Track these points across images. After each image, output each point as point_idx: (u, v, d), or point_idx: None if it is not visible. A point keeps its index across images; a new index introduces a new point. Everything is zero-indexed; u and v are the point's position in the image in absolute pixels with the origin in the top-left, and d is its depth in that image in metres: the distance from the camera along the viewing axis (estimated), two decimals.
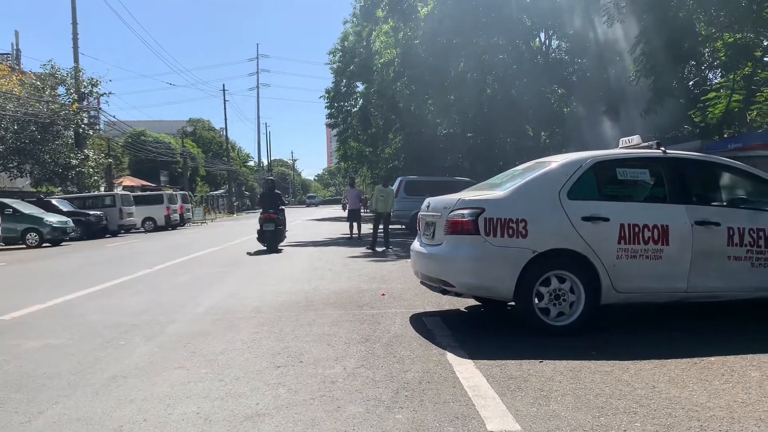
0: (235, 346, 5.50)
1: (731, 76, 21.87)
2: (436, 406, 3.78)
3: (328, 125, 52.39)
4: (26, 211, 22.50)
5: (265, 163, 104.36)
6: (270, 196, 16.99)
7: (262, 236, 16.10)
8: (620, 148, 6.78)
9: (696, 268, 5.70)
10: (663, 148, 6.22)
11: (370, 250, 15.22)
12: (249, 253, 15.31)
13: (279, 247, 16.25)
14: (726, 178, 6.46)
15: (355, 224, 20.36)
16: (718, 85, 23.83)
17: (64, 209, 25.46)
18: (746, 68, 20.50)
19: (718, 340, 5.31)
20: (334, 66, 44.45)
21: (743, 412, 3.59)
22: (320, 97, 46.52)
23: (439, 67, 25.60)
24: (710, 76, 28.32)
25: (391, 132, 39.05)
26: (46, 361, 5.21)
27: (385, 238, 16.06)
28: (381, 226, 16.47)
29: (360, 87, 43.83)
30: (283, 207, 17.33)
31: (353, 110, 44.90)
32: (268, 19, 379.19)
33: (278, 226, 16.18)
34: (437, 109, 28.22)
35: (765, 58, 22.12)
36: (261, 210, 16.85)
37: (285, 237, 17.53)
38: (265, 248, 15.87)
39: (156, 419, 3.71)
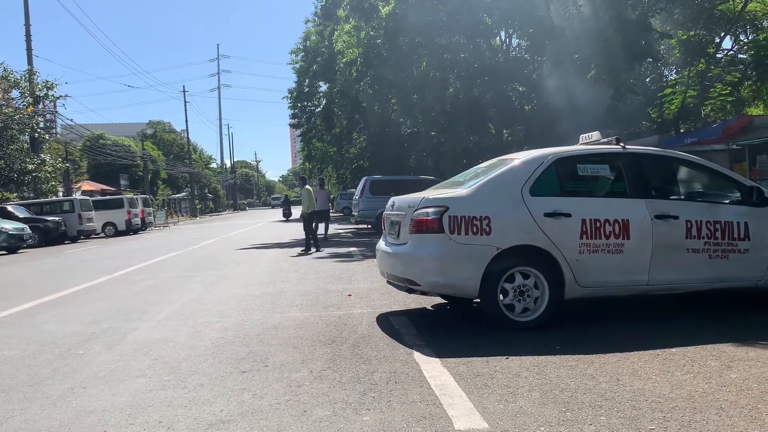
0: (199, 352, 5.40)
1: (686, 73, 22.44)
2: (403, 406, 3.76)
3: (292, 125, 52.07)
4: None
5: (229, 164, 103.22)
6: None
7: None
8: (580, 144, 6.86)
9: (656, 261, 5.80)
10: (622, 144, 6.31)
11: (317, 251, 15.23)
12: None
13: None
14: (683, 172, 6.58)
15: (321, 225, 20.22)
16: (674, 82, 24.43)
17: (21, 215, 24.74)
18: (700, 65, 21.04)
19: (679, 332, 5.40)
20: (297, 66, 44.18)
21: (704, 401, 3.65)
22: (283, 98, 46.34)
23: (401, 67, 25.61)
24: (666, 73, 29.00)
25: (356, 131, 38.96)
26: (1, 373, 5.04)
27: (312, 239, 15.66)
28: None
29: (323, 87, 43.64)
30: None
31: (317, 110, 44.69)
32: (228, 19, 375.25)
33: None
34: (401, 108, 28.24)
35: (717, 55, 22.75)
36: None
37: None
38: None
39: (117, 430, 3.61)
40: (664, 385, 3.98)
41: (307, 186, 17.19)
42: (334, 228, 26.43)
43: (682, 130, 24.56)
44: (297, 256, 14.44)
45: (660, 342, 5.00)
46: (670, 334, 5.30)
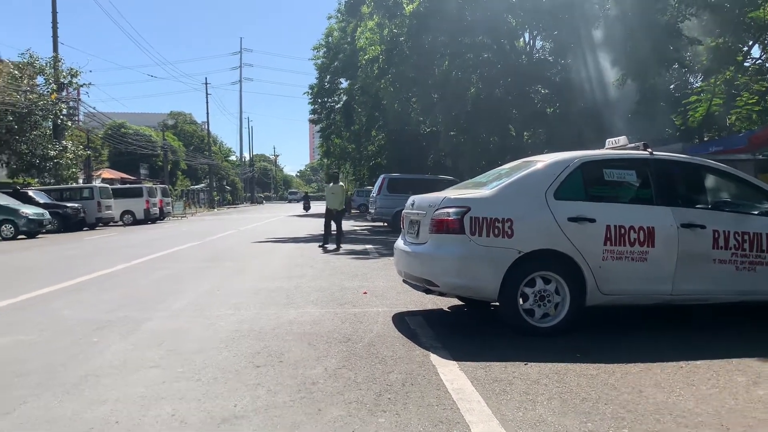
0: (214, 345, 5.36)
1: (712, 80, 22.07)
2: (419, 409, 3.68)
3: (312, 121, 52.17)
4: (1, 203, 21.99)
5: (247, 157, 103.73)
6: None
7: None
8: (607, 148, 6.74)
9: (681, 271, 5.67)
10: (650, 150, 6.17)
11: (320, 248, 15.03)
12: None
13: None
14: (712, 181, 6.43)
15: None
16: (700, 89, 24.05)
17: (41, 201, 24.95)
18: (728, 72, 20.68)
19: (704, 344, 5.27)
20: (318, 62, 44.26)
21: (732, 418, 3.53)
22: (304, 93, 46.33)
23: (423, 65, 25.50)
24: (691, 79, 28.59)
25: (375, 129, 38.92)
26: (16, 358, 5.03)
27: (337, 236, 15.48)
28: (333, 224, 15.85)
29: (344, 83, 43.67)
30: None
31: (337, 106, 44.73)
32: (252, 13, 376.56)
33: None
34: (421, 107, 28.14)
35: (746, 63, 22.35)
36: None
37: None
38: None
39: (129, 421, 3.56)
40: (689, 398, 3.87)
41: (340, 183, 17.16)
42: (350, 225, 26.43)
43: (706, 138, 24.19)
44: (325, 253, 14.11)
45: (683, 354, 4.88)
46: (693, 346, 5.17)
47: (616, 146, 6.60)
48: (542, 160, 6.12)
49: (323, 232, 15.65)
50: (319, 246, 15.21)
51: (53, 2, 34.98)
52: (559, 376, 4.32)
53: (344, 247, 15.35)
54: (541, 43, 27.24)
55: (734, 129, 22.84)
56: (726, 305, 6.07)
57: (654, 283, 5.68)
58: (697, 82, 27.20)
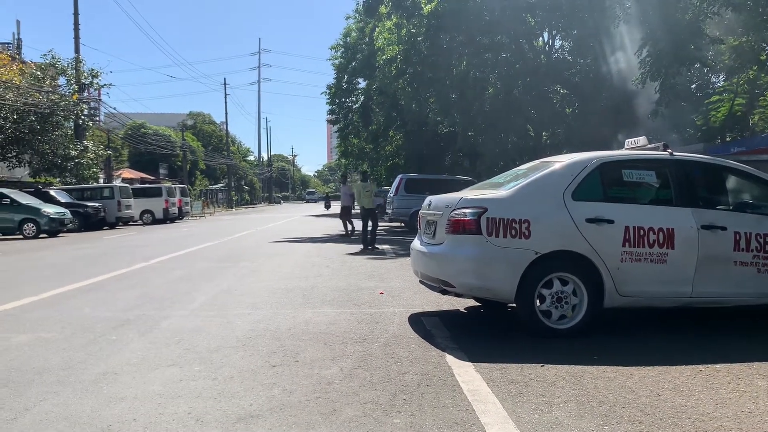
0: (230, 344, 5.39)
1: (735, 80, 21.78)
2: (435, 410, 3.67)
3: (329, 121, 52.28)
4: (24, 202, 22.36)
5: (265, 157, 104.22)
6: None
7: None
8: (626, 149, 6.67)
9: (701, 273, 5.59)
10: (670, 150, 6.10)
11: (369, 248, 14.81)
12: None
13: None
14: (733, 182, 6.34)
15: (348, 221, 20.22)
16: (722, 89, 23.76)
17: (62, 200, 25.31)
18: (750, 72, 20.40)
19: (723, 347, 5.21)
20: (336, 62, 44.29)
21: (752, 423, 3.47)
22: (322, 93, 46.40)
23: (441, 65, 25.42)
24: (713, 79, 28.22)
25: (392, 129, 38.91)
26: (36, 355, 5.10)
27: (371, 236, 15.12)
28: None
29: (362, 83, 43.66)
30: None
31: (354, 107, 44.74)
32: (270, 13, 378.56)
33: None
34: (439, 107, 28.05)
35: None
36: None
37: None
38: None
39: (146, 419, 3.59)
40: (708, 402, 3.81)
41: (369, 181, 17.11)
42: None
43: (728, 139, 23.89)
44: (371, 253, 13.98)
45: (702, 357, 4.81)
46: (712, 350, 5.10)
47: (635, 147, 6.53)
48: (560, 161, 6.08)
49: (361, 233, 15.33)
50: (365, 249, 14.60)
51: (75, 4, 35.43)
52: (576, 379, 4.28)
53: (361, 247, 15.35)
54: (560, 42, 27.07)
55: (757, 129, 22.52)
56: (746, 308, 5.98)
57: (673, 285, 5.61)
58: (719, 82, 26.87)
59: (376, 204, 15.98)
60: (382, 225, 23.69)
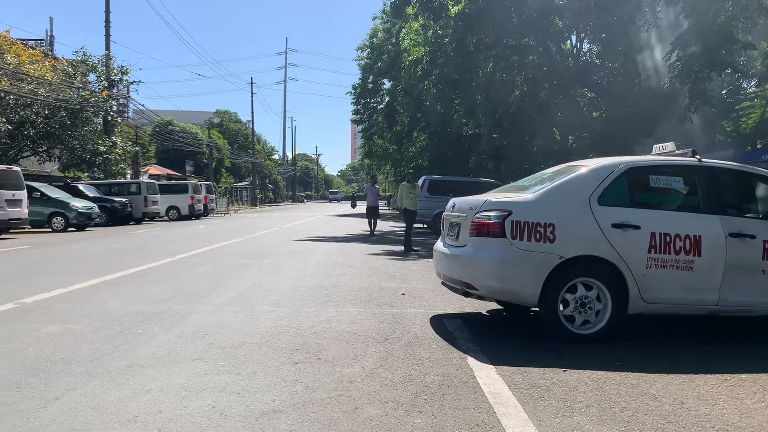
0: (254, 340, 5.45)
1: (767, 86, 21.38)
2: (455, 412, 3.69)
3: (354, 121, 52.44)
4: (53, 196, 22.77)
5: (290, 156, 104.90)
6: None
7: None
8: (654, 154, 6.60)
9: (728, 281, 5.53)
10: (698, 156, 6.03)
11: (414, 250, 14.26)
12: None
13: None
14: (763, 190, 6.24)
15: (372, 221, 20.32)
16: (753, 95, 23.33)
17: (91, 195, 25.71)
18: None
19: (749, 356, 5.14)
20: (362, 62, 44.49)
21: None
22: (347, 93, 46.83)
23: (467, 67, 25.35)
24: (744, 85, 27.74)
25: (416, 130, 38.92)
26: (65, 346, 5.21)
27: (406, 238, 14.58)
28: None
29: (387, 84, 43.79)
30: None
31: (379, 107, 44.88)
32: (297, 13, 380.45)
33: None
34: (464, 109, 27.98)
35: None
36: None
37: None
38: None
39: (171, 411, 3.66)
40: (733, 412, 3.77)
41: (417, 182, 16.77)
42: (389, 225, 26.50)
43: (759, 146, 23.46)
44: (414, 256, 13.51)
45: (727, 366, 4.76)
46: (738, 359, 5.04)
47: (663, 152, 6.46)
48: (586, 165, 6.04)
49: (404, 238, 14.66)
50: (409, 252, 14.08)
51: (107, 2, 35.97)
52: (599, 384, 4.26)
53: (383, 247, 15.41)
54: (588, 45, 26.81)
55: None
56: None
57: (699, 292, 5.55)
58: (750, 88, 26.40)
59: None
60: (403, 225, 23.73)
